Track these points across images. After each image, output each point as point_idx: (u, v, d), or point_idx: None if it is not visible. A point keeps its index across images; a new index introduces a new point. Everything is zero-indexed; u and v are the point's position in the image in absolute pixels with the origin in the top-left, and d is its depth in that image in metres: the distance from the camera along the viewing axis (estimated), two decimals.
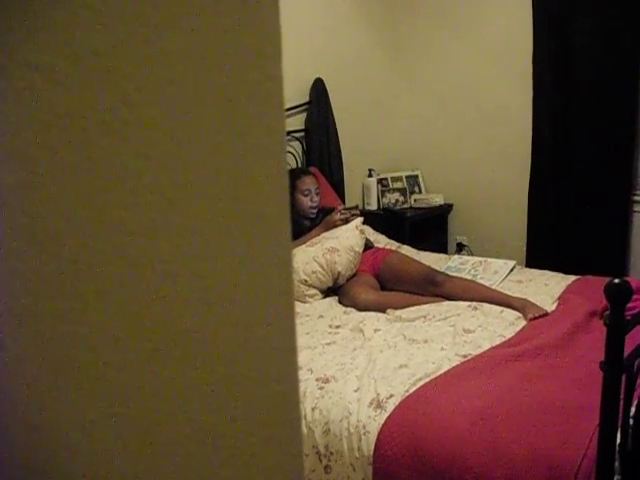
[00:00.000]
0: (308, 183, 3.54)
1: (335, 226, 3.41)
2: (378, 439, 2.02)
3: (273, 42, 0.54)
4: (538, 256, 4.20)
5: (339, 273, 3.23)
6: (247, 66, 0.54)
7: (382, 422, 2.05)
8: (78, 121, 0.45)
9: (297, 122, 4.15)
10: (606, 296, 1.59)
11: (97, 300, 0.47)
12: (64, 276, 0.46)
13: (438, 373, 2.29)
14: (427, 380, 2.23)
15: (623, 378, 1.65)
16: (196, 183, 0.50)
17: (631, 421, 1.76)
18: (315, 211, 3.57)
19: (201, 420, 0.54)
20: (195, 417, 0.53)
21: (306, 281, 3.19)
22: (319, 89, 4.18)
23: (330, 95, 4.22)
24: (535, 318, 2.78)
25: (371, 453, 2.02)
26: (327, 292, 3.31)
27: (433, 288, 3.15)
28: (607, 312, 2.67)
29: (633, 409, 1.78)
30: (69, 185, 0.45)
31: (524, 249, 4.35)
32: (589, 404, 1.97)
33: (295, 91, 4.10)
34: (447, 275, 3.25)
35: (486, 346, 2.54)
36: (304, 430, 2.17)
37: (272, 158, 0.55)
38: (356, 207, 3.63)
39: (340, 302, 3.21)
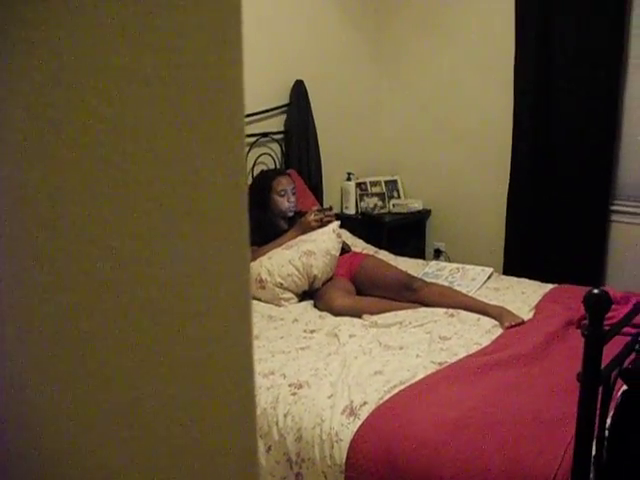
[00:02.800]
0: (284, 183, 3.50)
1: (310, 228, 3.36)
2: (351, 447, 1.98)
3: (233, 38, 0.50)
4: (515, 263, 4.19)
5: (315, 277, 3.20)
6: (204, 64, 0.49)
7: (355, 430, 2.01)
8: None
9: (276, 124, 4.12)
10: (585, 306, 1.56)
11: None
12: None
13: (413, 381, 2.25)
14: (402, 387, 2.20)
15: (600, 389, 1.62)
16: (143, 182, 0.47)
17: (606, 432, 1.74)
18: (292, 211, 3.53)
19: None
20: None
21: (281, 284, 3.15)
22: (299, 91, 4.15)
23: (310, 97, 4.19)
24: (512, 326, 2.76)
25: (343, 461, 1.98)
26: (303, 296, 3.27)
27: (409, 294, 3.12)
28: (585, 322, 2.66)
29: (609, 420, 1.76)
30: None
31: (502, 256, 4.34)
32: (565, 414, 1.95)
33: (275, 92, 4.06)
34: (424, 281, 3.23)
35: (462, 354, 2.51)
36: (275, 437, 2.13)
37: (229, 159, 0.51)
38: (330, 209, 3.59)
39: (315, 306, 3.17)
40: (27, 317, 0.48)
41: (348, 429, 2.02)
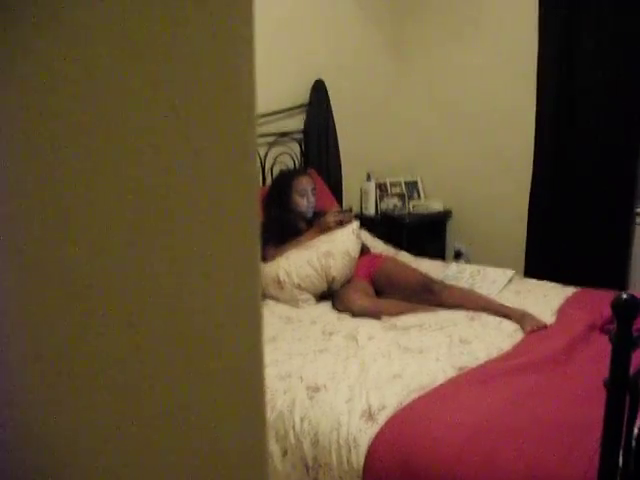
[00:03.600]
0: (304, 183, 3.46)
1: (329, 228, 3.33)
2: (368, 453, 1.93)
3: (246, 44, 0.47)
4: (536, 266, 4.13)
5: (334, 278, 3.15)
6: (219, 71, 0.47)
7: (373, 435, 1.96)
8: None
9: (296, 123, 4.08)
10: (613, 311, 1.51)
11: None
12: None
13: (433, 385, 2.21)
14: (421, 392, 2.15)
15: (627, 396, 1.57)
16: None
17: (634, 442, 1.68)
18: (312, 211, 3.49)
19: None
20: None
21: (300, 285, 3.11)
22: (319, 90, 4.11)
23: (330, 97, 4.15)
24: (534, 331, 2.70)
25: (361, 467, 1.93)
26: (321, 297, 3.23)
27: (429, 296, 3.07)
28: (611, 327, 2.60)
29: (636, 430, 1.70)
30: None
31: (522, 258, 4.27)
32: (589, 421, 1.90)
33: (295, 92, 4.03)
34: (444, 283, 3.17)
35: (483, 358, 2.46)
36: (292, 441, 2.08)
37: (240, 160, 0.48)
38: (350, 210, 3.55)
39: (334, 308, 3.13)
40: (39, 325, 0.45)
41: (366, 434, 1.98)
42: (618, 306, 1.48)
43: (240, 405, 0.54)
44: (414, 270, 3.31)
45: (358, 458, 1.94)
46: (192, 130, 0.45)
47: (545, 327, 2.74)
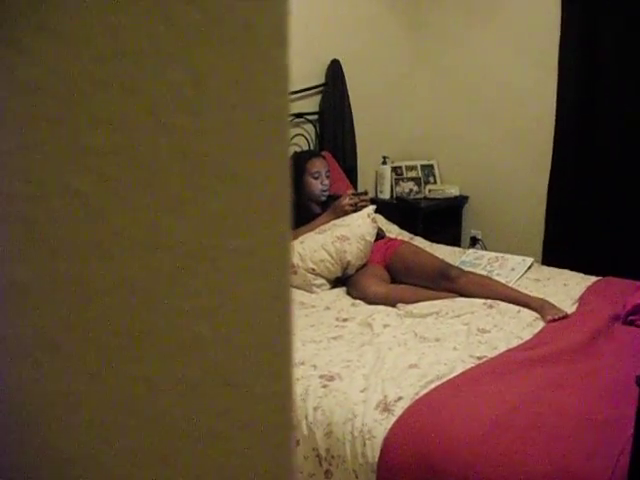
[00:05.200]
0: (318, 165, 3.38)
1: (344, 212, 3.25)
2: (384, 445, 1.86)
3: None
4: (555, 254, 4.03)
5: (349, 263, 3.08)
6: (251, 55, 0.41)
7: (389, 427, 1.89)
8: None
9: (311, 104, 3.99)
10: None
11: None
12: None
13: (451, 376, 2.13)
14: (439, 383, 2.08)
15: None
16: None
17: None
18: (326, 194, 3.41)
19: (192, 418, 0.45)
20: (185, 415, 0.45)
21: (314, 270, 3.04)
22: (335, 71, 4.02)
23: (346, 78, 4.06)
24: (554, 320, 2.62)
25: (376, 460, 1.86)
26: (335, 282, 3.16)
27: (446, 283, 2.99)
28: (635, 318, 2.51)
29: None
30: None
31: (540, 246, 4.18)
32: (615, 417, 1.82)
33: (310, 72, 3.94)
34: (461, 270, 3.09)
35: (502, 348, 2.38)
36: (304, 431, 2.02)
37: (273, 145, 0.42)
38: (365, 193, 3.46)
39: (348, 293, 3.06)
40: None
41: (381, 426, 1.91)
42: None
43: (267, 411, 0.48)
44: (431, 255, 3.23)
45: (373, 451, 1.87)
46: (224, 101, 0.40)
47: (566, 316, 2.66)
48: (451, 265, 3.13)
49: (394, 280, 3.19)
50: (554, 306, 2.73)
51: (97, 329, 0.39)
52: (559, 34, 3.93)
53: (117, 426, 0.41)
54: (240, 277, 0.43)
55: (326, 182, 3.40)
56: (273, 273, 0.44)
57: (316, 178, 3.36)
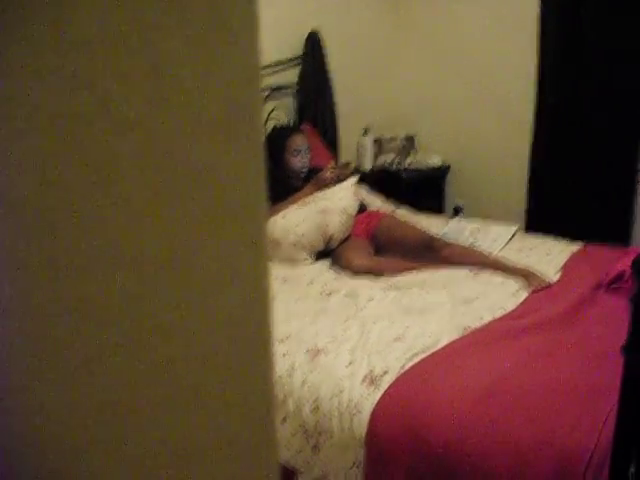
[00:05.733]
0: (298, 142, 3.34)
1: (326, 184, 3.22)
2: (371, 419, 1.86)
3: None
4: (539, 221, 4.05)
5: (331, 236, 3.07)
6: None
7: (376, 401, 1.89)
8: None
9: (290, 76, 3.95)
10: (633, 271, 1.42)
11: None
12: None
13: (436, 347, 2.13)
14: (424, 355, 2.07)
15: None
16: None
17: None
18: (306, 170, 3.38)
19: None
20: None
21: (297, 244, 3.02)
22: (314, 42, 3.97)
23: (325, 49, 4.01)
24: (537, 290, 2.63)
25: (363, 434, 1.86)
26: (318, 256, 3.14)
27: (430, 254, 2.98)
28: (619, 286, 2.52)
29: None
30: None
31: (523, 213, 4.19)
32: (599, 388, 1.83)
33: (288, 43, 3.89)
34: (445, 241, 3.08)
35: (487, 318, 2.38)
36: (291, 407, 2.01)
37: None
38: (348, 165, 3.43)
39: (332, 267, 3.05)
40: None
41: (368, 400, 1.90)
42: (638, 266, 1.40)
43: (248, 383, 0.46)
44: (414, 227, 3.22)
45: (360, 425, 1.87)
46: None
47: (549, 286, 2.67)
48: (434, 237, 3.12)
49: (378, 252, 3.18)
50: (538, 276, 2.73)
51: (53, 356, 0.37)
52: (539, 2, 3.90)
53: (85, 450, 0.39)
54: (212, 289, 0.40)
55: (306, 158, 3.37)
56: (249, 279, 0.41)
57: (295, 156, 3.33)
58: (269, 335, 0.43)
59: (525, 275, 2.74)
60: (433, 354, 2.08)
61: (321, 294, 2.67)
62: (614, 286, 2.60)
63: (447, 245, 3.02)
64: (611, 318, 2.32)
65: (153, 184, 0.35)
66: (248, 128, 0.38)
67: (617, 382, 1.43)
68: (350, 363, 2.06)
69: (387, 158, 4.49)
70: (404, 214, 3.69)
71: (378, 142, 4.52)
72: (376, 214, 3.39)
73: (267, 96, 3.74)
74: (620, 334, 1.50)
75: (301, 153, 3.34)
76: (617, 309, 2.37)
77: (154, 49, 0.34)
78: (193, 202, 0.37)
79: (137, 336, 0.37)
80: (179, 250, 0.37)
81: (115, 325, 0.37)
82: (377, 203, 3.76)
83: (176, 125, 0.35)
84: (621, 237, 3.76)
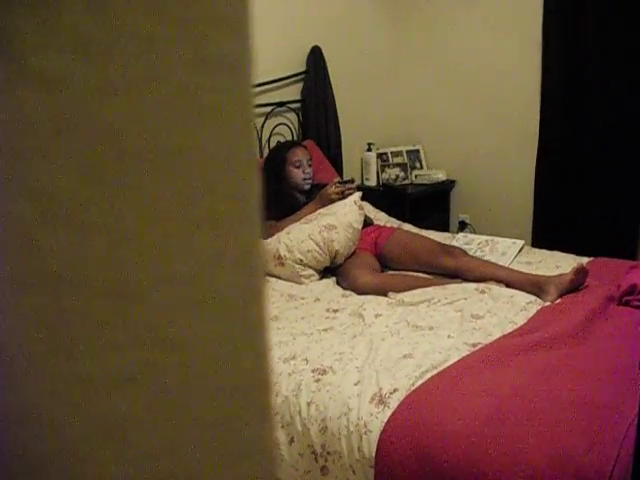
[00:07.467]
0: (299, 154, 3.33)
1: (331, 200, 3.20)
2: (381, 439, 1.81)
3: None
4: (545, 236, 4.00)
5: (337, 252, 3.03)
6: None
7: (385, 420, 1.84)
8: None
9: (293, 92, 3.93)
10: None
11: None
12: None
13: (446, 365, 2.08)
14: (434, 372, 2.03)
15: None
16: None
17: None
18: (309, 183, 3.36)
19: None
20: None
21: (301, 260, 2.98)
22: (316, 58, 3.96)
23: (328, 64, 3.99)
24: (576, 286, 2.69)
25: (373, 454, 1.81)
26: (324, 272, 3.11)
27: (449, 259, 2.99)
28: (630, 299, 2.47)
29: None
30: None
31: (530, 229, 4.15)
32: (615, 402, 1.78)
33: (291, 59, 3.87)
34: (463, 250, 3.10)
35: (497, 334, 2.34)
36: (298, 428, 1.97)
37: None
38: (352, 181, 3.41)
39: (338, 284, 3.01)
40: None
41: (377, 419, 1.86)
42: None
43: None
44: (428, 237, 3.27)
45: (370, 445, 1.82)
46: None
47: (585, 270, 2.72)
48: (451, 245, 3.15)
49: (387, 266, 3.15)
50: (560, 280, 2.71)
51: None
52: (542, 14, 3.88)
53: None
54: (196, 315, 0.35)
55: (308, 170, 3.35)
56: (242, 301, 0.36)
57: (297, 167, 3.31)
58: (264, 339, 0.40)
59: (549, 282, 2.70)
60: (443, 371, 2.04)
61: (327, 311, 2.63)
62: (626, 299, 2.55)
63: (465, 253, 3.03)
64: (624, 332, 2.28)
65: (125, 190, 0.32)
66: (238, 121, 0.34)
67: (633, 398, 1.38)
68: (358, 381, 2.01)
69: (392, 173, 4.46)
70: (410, 229, 3.66)
71: (382, 157, 4.49)
72: (384, 229, 3.36)
73: (270, 112, 3.72)
74: (634, 348, 1.46)
75: (303, 165, 3.32)
76: (630, 323, 2.32)
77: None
78: (172, 210, 0.33)
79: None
80: (148, 272, 0.33)
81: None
82: (382, 219, 3.73)
83: (149, 121, 0.31)
84: (628, 252, 3.70)
